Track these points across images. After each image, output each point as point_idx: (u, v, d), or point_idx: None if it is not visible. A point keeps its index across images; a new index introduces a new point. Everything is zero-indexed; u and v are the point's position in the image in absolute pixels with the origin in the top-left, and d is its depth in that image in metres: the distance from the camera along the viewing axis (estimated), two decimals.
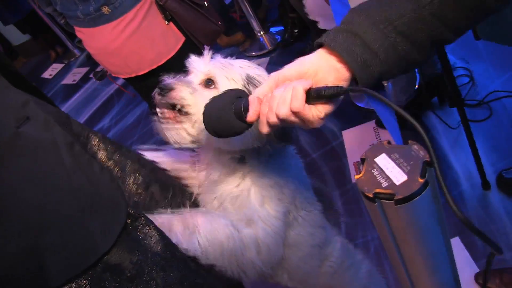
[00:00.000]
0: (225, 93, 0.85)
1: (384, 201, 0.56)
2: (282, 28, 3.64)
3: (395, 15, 0.71)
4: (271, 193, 1.13)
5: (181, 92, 1.04)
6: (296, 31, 3.48)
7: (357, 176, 0.60)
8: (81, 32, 1.87)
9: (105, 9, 1.73)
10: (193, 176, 1.27)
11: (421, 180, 0.55)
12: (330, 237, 1.36)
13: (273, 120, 0.73)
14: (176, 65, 1.94)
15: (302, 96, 0.70)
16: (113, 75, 2.08)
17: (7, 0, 4.62)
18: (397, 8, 0.71)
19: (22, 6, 4.77)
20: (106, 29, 1.78)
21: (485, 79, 2.41)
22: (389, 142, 0.62)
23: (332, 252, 1.35)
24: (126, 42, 1.81)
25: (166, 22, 1.84)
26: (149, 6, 1.78)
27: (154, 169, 1.19)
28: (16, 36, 5.62)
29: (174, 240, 0.99)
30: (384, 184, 0.57)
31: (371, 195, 0.57)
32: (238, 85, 1.04)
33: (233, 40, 3.72)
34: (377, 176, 0.58)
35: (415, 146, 0.59)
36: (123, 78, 2.05)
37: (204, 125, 0.83)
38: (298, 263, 1.28)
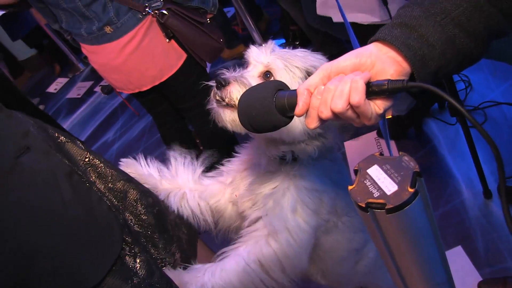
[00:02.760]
0: (263, 84, 0.78)
1: (376, 210, 0.58)
2: (284, 40, 3.68)
3: (451, 6, 0.67)
4: (307, 199, 1.11)
5: (233, 91, 1.04)
6: (297, 43, 3.51)
7: (350, 187, 0.62)
8: (85, 49, 1.92)
9: (108, 29, 1.77)
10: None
11: (411, 190, 0.57)
12: (368, 238, 1.32)
13: (326, 114, 0.67)
14: (179, 81, 1.97)
15: (362, 89, 0.64)
16: (118, 90, 2.12)
17: (13, 16, 4.69)
18: None
19: (27, 21, 4.84)
20: (108, 47, 1.82)
21: (485, 88, 2.43)
22: (381, 154, 0.64)
23: (368, 252, 1.34)
24: (128, 59, 1.84)
25: (167, 40, 1.87)
26: (150, 24, 1.81)
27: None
28: (21, 51, 5.71)
29: None
30: (376, 194, 0.59)
31: (363, 205, 0.59)
32: (297, 78, 1.02)
33: (235, 53, 3.76)
34: (369, 186, 0.60)
35: (406, 157, 0.61)
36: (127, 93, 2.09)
37: (239, 118, 0.77)
38: (334, 266, 1.28)
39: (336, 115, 0.67)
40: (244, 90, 1.01)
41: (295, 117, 0.74)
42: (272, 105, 0.73)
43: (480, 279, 1.73)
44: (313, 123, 0.70)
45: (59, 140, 0.98)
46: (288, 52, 1.08)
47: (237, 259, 1.07)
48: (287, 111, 0.73)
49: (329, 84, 0.68)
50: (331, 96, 0.66)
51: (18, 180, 0.77)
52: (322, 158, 1.14)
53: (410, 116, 2.40)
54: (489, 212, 1.94)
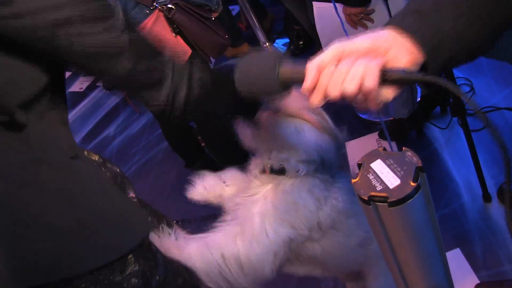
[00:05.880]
0: (266, 53, 0.76)
1: (379, 203, 0.59)
2: (288, 40, 3.69)
3: None
4: (281, 207, 1.10)
5: None
6: (301, 43, 3.52)
7: (353, 180, 0.63)
8: None
9: None
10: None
11: (413, 184, 0.58)
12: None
13: (334, 94, 0.66)
14: None
15: (377, 75, 0.63)
16: None
17: None
18: None
19: None
20: None
21: (487, 93, 2.44)
22: (384, 149, 0.65)
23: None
24: None
25: (174, 35, 1.86)
26: (155, 19, 1.80)
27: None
28: None
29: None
30: (379, 188, 0.59)
31: (366, 198, 0.60)
32: None
33: (239, 52, 3.76)
34: (372, 180, 0.61)
35: (409, 153, 0.62)
36: None
37: (237, 86, 0.74)
38: (338, 261, 1.27)
39: (344, 97, 0.66)
40: None
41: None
42: (274, 73, 0.70)
43: (477, 281, 1.74)
44: (317, 100, 0.69)
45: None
46: None
47: (199, 243, 1.10)
48: (288, 86, 0.71)
49: (341, 65, 0.66)
50: (342, 78, 0.65)
51: (75, 175, 0.91)
52: (309, 176, 1.14)
53: (411, 119, 2.40)
54: (488, 216, 1.94)
